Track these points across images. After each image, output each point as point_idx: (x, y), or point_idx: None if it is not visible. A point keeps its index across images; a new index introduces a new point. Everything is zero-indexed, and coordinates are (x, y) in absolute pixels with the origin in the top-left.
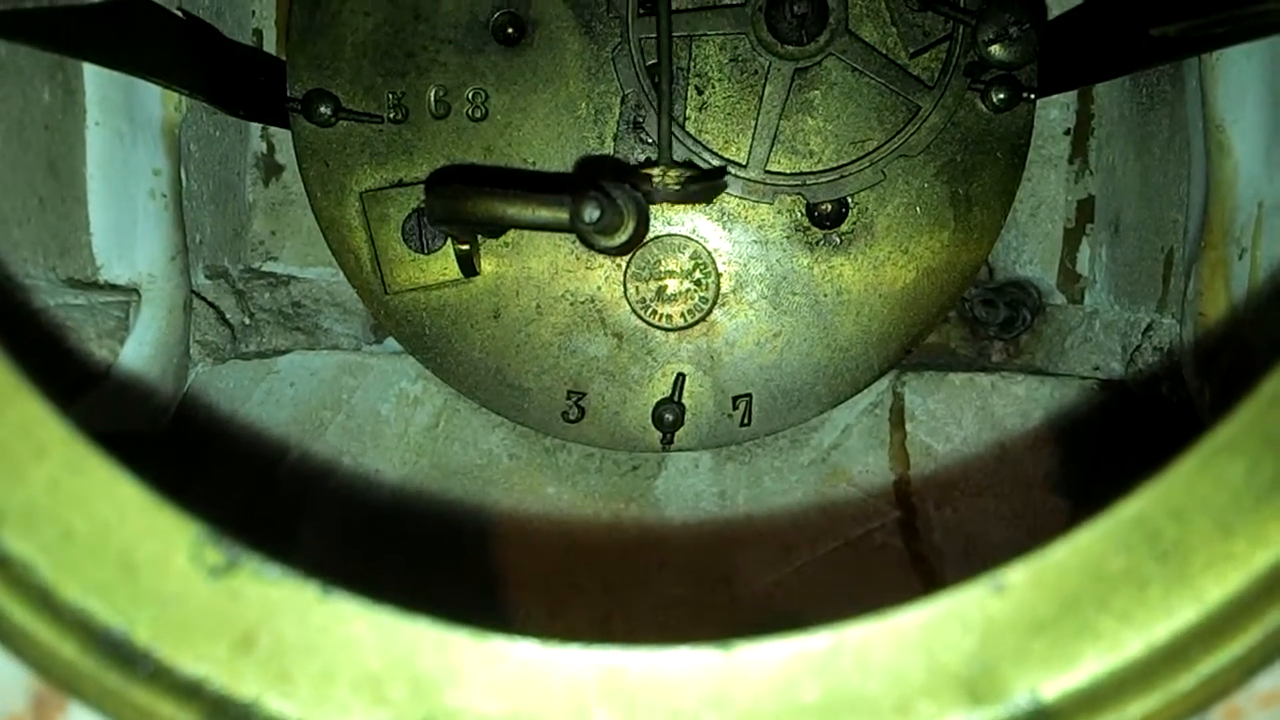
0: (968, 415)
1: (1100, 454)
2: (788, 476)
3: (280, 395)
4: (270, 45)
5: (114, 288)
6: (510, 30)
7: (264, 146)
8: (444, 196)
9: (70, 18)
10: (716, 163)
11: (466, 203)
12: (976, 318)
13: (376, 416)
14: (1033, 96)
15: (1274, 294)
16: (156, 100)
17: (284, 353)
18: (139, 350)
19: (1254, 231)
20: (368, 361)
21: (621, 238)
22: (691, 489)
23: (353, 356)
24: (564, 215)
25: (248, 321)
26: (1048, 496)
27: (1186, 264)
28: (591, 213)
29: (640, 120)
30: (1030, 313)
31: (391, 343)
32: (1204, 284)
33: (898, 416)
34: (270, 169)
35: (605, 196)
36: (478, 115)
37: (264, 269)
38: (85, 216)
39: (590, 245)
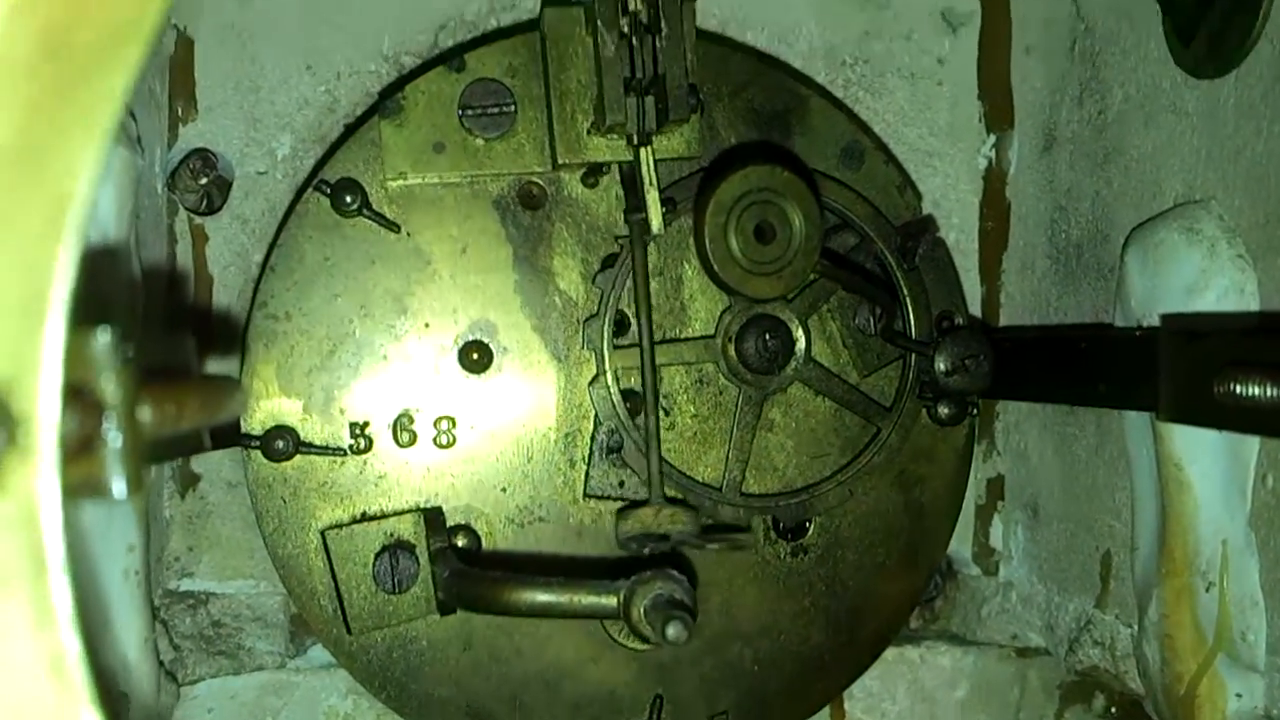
0: (900, 690)
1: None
2: None
3: None
4: None
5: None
6: (476, 356)
7: None
8: (472, 582)
9: None
10: (690, 486)
11: (500, 592)
12: None
13: None
14: (976, 411)
15: None
16: None
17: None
18: None
19: (1221, 568)
20: (293, 679)
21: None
22: None
23: (277, 675)
24: (612, 603)
25: (174, 655)
26: None
27: (1141, 585)
28: (680, 633)
29: (616, 445)
30: (942, 577)
31: (318, 654)
32: (1169, 609)
33: None
34: (187, 480)
35: (689, 613)
36: (445, 443)
37: (182, 589)
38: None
39: (644, 640)
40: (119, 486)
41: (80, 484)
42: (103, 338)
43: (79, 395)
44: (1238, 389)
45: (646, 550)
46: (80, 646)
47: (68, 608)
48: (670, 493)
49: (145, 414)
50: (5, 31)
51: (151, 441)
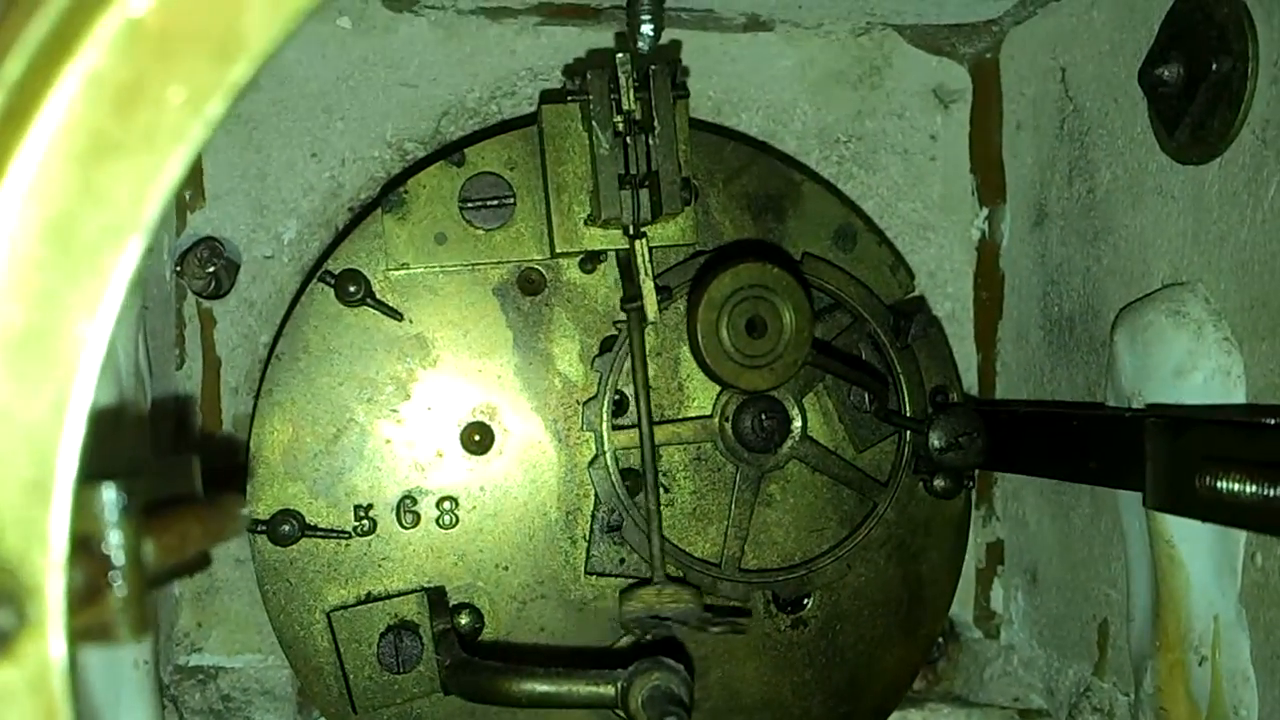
0: None
1: None
2: None
3: None
4: None
5: None
6: (478, 438)
7: None
8: (473, 672)
9: None
10: (689, 563)
11: (502, 682)
12: None
13: None
14: (971, 484)
15: None
16: None
17: None
18: None
19: (1213, 643)
20: None
21: None
22: None
23: None
24: (610, 694)
25: None
26: None
27: (1137, 656)
28: None
29: (616, 523)
30: (944, 639)
31: None
32: (1163, 681)
33: None
34: None
35: (685, 709)
36: (448, 523)
37: (191, 664)
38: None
39: None
40: (126, 632)
41: (88, 631)
42: (108, 494)
43: (85, 546)
44: (1219, 484)
45: (648, 636)
46: None
47: None
48: (670, 569)
49: (149, 552)
50: (16, 222)
51: (156, 574)
